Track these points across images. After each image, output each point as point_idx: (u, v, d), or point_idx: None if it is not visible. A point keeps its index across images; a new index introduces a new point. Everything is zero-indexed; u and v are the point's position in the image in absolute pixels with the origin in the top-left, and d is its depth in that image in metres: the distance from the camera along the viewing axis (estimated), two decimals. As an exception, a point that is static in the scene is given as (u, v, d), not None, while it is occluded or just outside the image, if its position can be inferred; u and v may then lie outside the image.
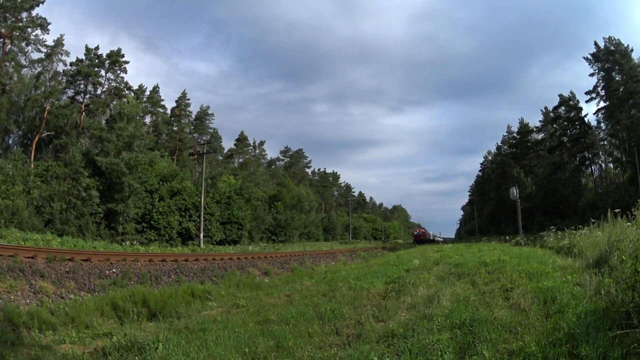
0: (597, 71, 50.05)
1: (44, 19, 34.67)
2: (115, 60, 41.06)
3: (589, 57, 50.24)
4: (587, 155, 55.64)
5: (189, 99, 60.32)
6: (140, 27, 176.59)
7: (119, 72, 41.93)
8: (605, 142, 53.56)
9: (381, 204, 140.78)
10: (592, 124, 54.30)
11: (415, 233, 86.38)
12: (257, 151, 74.48)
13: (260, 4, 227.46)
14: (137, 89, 48.82)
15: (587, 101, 52.70)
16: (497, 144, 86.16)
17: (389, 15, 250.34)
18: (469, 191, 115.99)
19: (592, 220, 10.26)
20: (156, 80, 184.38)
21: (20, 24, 33.42)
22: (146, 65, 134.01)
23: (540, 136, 69.42)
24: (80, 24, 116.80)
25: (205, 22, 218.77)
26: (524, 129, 71.38)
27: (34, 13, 34.20)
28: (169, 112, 57.72)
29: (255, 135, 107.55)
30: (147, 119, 53.93)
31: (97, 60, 40.06)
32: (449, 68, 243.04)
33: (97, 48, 40.28)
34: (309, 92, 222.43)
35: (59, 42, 37.77)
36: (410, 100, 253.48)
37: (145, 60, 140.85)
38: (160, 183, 36.13)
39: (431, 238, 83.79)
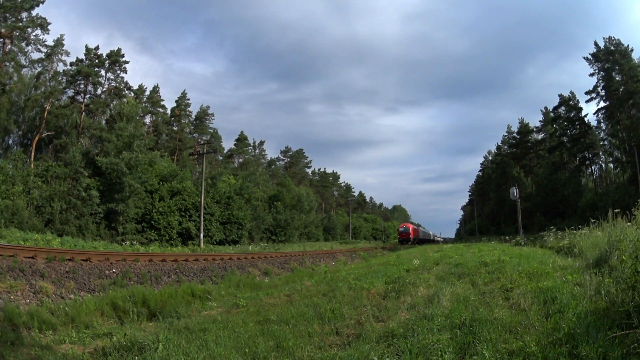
0: (597, 71, 50.01)
1: (44, 19, 34.63)
2: (115, 60, 41.03)
3: (589, 57, 50.21)
4: (587, 155, 55.61)
5: (189, 99, 60.35)
6: (135, 28, 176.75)
7: (119, 72, 41.88)
8: (605, 142, 53.54)
9: (381, 204, 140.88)
10: (592, 124, 54.35)
11: (400, 229, 61.48)
12: (257, 151, 74.55)
13: (253, 4, 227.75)
14: (137, 89, 48.83)
15: (587, 101, 52.72)
16: (497, 144, 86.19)
17: (382, 15, 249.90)
18: (469, 191, 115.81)
19: (592, 220, 10.22)
20: (152, 81, 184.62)
21: (20, 24, 33.37)
22: (142, 66, 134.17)
23: (540, 136, 69.41)
24: (75, 25, 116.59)
25: (199, 23, 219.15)
26: (524, 129, 71.35)
27: (34, 13, 34.20)
28: (169, 112, 57.77)
29: (252, 135, 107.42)
30: (147, 119, 53.96)
31: (97, 60, 40.05)
32: (445, 68, 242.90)
33: (97, 48, 40.30)
34: (304, 93, 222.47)
35: (59, 42, 37.78)
36: (406, 100, 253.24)
37: (141, 61, 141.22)
38: (160, 183, 36.14)
39: (431, 238, 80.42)
